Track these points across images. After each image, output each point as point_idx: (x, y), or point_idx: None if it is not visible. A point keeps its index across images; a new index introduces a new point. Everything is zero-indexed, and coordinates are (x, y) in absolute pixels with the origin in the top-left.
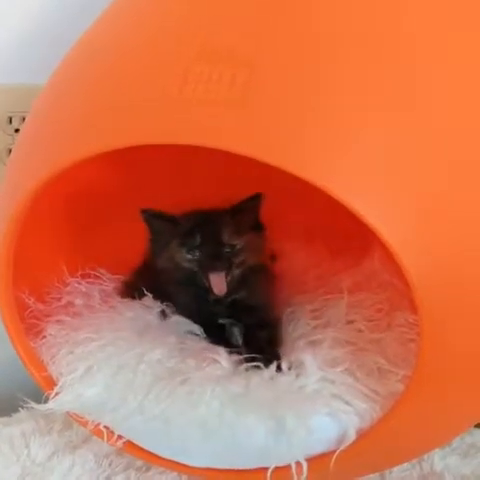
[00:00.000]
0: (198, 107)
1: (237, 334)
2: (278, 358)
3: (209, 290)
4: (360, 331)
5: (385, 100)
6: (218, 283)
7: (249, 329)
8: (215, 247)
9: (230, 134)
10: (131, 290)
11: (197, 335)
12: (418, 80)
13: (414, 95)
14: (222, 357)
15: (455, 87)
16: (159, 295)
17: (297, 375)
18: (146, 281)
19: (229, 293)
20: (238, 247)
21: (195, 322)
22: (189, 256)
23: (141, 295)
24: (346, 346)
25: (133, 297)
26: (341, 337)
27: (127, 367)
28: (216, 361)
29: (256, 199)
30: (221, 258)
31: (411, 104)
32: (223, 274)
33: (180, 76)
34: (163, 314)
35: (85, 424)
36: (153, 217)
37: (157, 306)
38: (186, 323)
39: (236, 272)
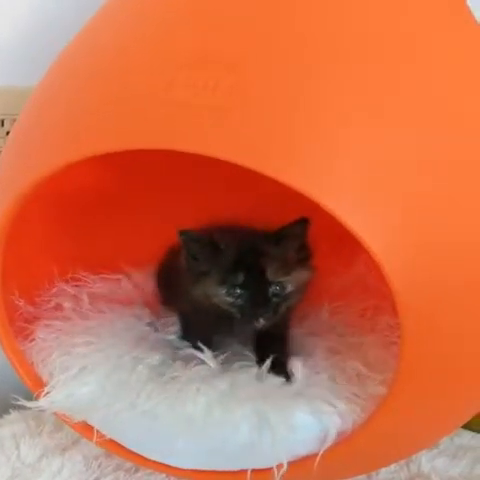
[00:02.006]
0: (183, 112)
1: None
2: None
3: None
4: (342, 336)
5: (370, 107)
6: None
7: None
8: (260, 289)
9: (213, 140)
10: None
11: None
12: (401, 88)
13: (397, 103)
14: (209, 359)
15: (436, 96)
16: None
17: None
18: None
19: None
20: (288, 290)
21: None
22: (230, 299)
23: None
24: (328, 353)
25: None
26: (324, 344)
27: (123, 368)
28: (203, 362)
29: (302, 225)
30: (267, 305)
31: (396, 113)
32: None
33: (166, 81)
34: (153, 325)
35: (74, 425)
36: (193, 240)
37: (145, 314)
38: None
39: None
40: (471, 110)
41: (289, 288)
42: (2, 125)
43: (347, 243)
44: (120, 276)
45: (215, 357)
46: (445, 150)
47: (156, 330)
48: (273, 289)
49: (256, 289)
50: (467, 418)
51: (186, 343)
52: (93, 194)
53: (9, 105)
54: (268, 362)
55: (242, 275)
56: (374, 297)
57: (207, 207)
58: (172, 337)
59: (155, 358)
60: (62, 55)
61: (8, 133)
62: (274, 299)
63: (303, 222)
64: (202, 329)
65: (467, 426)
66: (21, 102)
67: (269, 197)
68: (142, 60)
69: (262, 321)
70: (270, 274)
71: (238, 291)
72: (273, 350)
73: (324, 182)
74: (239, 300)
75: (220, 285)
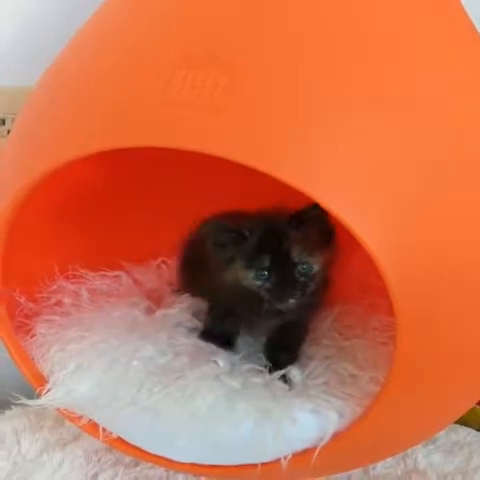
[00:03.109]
0: (181, 111)
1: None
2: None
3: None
4: (333, 339)
5: (365, 105)
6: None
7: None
8: (287, 271)
9: (210, 137)
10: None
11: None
12: (399, 86)
13: (395, 100)
14: (220, 357)
15: (435, 95)
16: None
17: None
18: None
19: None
20: (314, 270)
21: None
22: (258, 282)
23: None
24: (323, 359)
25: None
26: (321, 350)
27: (119, 363)
28: (212, 361)
29: (316, 209)
30: (295, 286)
31: (392, 110)
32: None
33: (164, 80)
34: (149, 309)
35: (75, 420)
36: (218, 230)
37: (143, 302)
38: (173, 316)
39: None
40: (469, 111)
41: (315, 268)
42: (3, 124)
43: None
44: (120, 273)
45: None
46: (443, 148)
47: (153, 312)
48: (299, 269)
49: (283, 271)
50: (461, 413)
51: (189, 317)
52: (93, 192)
53: (10, 104)
54: (281, 372)
55: (267, 259)
56: (371, 295)
57: (206, 202)
58: (174, 311)
59: (150, 348)
60: (61, 55)
61: (9, 132)
62: (302, 279)
63: (316, 207)
64: (229, 319)
65: (463, 422)
66: (22, 101)
67: (268, 192)
68: (140, 60)
69: (291, 301)
70: (295, 255)
71: (266, 274)
72: (284, 357)
73: (320, 178)
74: (267, 283)
75: (247, 270)
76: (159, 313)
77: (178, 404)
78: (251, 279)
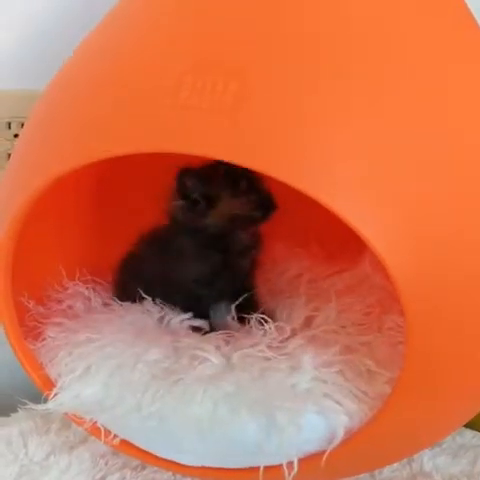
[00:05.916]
0: (190, 116)
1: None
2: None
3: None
4: (350, 334)
5: (371, 108)
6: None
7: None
8: (260, 192)
9: (219, 143)
10: (122, 289)
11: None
12: (401, 88)
13: (398, 102)
14: (211, 354)
15: (438, 95)
16: (147, 286)
17: (291, 370)
18: (134, 273)
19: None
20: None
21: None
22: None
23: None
24: (337, 350)
25: (126, 296)
26: (333, 338)
27: (124, 367)
28: (207, 359)
29: None
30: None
31: (396, 112)
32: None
33: (173, 86)
34: (162, 319)
35: (82, 424)
36: (191, 176)
37: (157, 311)
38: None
39: None
40: (472, 109)
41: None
42: (9, 128)
43: (354, 242)
44: None
45: (217, 349)
46: (447, 148)
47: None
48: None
49: (258, 192)
50: (470, 416)
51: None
52: (100, 197)
53: (16, 108)
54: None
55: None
56: (380, 296)
57: None
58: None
59: (154, 352)
60: (69, 61)
61: (16, 136)
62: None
63: None
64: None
65: (469, 425)
66: (28, 105)
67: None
68: (149, 64)
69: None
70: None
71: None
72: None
73: (328, 182)
74: (253, 204)
75: (235, 198)
76: (167, 318)
77: (180, 410)
78: (245, 203)
